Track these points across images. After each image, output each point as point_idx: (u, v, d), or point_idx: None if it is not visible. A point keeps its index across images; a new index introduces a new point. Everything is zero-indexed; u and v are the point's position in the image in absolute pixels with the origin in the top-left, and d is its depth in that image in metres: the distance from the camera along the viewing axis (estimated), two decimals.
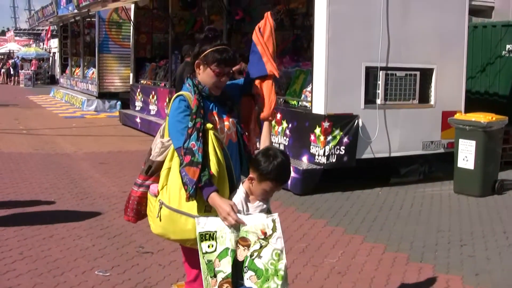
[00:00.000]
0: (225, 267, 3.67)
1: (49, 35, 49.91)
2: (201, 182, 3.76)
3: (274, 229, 3.55)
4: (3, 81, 52.05)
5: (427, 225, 8.65)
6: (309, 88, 11.29)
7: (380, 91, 10.87)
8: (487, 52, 15.66)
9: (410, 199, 10.21)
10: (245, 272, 3.64)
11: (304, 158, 10.90)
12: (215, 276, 3.70)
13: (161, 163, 4.14)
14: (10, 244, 7.40)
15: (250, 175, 3.86)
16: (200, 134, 3.84)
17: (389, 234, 8.18)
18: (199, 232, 3.73)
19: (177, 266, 6.63)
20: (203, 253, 3.72)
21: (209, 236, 3.71)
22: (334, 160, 10.53)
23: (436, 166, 12.02)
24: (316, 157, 10.61)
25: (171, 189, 4.00)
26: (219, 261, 3.70)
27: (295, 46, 15.47)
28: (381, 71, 10.82)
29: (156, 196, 4.13)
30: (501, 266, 6.98)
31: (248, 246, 3.61)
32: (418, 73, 11.35)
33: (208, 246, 3.71)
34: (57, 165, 12.89)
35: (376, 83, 10.88)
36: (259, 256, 3.57)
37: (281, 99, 12.38)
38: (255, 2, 17.37)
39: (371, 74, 10.90)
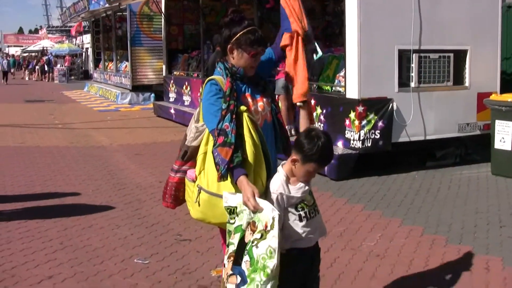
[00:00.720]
0: (235, 241, 3.77)
1: (75, 30, 50.36)
2: (233, 162, 3.77)
3: (272, 226, 3.52)
4: (38, 78, 52.56)
5: (464, 208, 8.58)
6: (342, 73, 11.24)
7: (413, 74, 10.79)
8: None
9: (447, 182, 10.13)
10: (244, 255, 3.66)
11: (340, 143, 10.87)
12: (228, 246, 3.84)
13: (197, 148, 4.18)
14: (50, 234, 7.50)
15: (293, 157, 3.84)
16: (234, 116, 3.85)
17: (426, 217, 8.13)
18: (224, 206, 3.84)
19: (215, 252, 6.66)
20: (226, 223, 3.87)
21: (230, 210, 3.81)
22: (369, 145, 10.49)
23: (473, 148, 11.91)
24: (351, 141, 10.58)
25: (209, 173, 4.00)
26: (233, 234, 3.80)
27: (327, 33, 15.42)
28: (414, 54, 10.73)
29: (194, 181, 4.13)
30: None
31: (254, 232, 3.62)
32: (451, 55, 11.23)
33: (231, 218, 3.82)
34: (93, 157, 13.01)
35: (410, 66, 10.80)
36: (256, 246, 3.57)
37: (314, 85, 12.35)
38: None
39: (404, 57, 10.82)
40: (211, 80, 4.07)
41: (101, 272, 6.21)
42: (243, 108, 3.97)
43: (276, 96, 12.20)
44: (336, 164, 10.30)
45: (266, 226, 3.55)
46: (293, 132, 12.12)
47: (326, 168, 10.08)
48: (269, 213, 3.58)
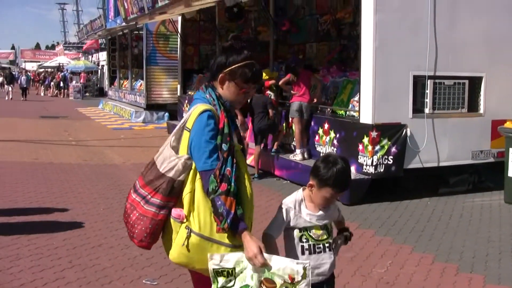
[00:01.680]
0: None
1: (88, 46, 50.68)
2: (237, 215, 3.53)
3: (304, 276, 3.42)
4: (53, 93, 52.85)
5: (476, 236, 8.52)
6: (356, 98, 11.25)
7: (428, 100, 10.78)
8: None
9: (459, 210, 10.07)
10: None
11: (352, 168, 10.81)
12: None
13: (182, 182, 3.67)
14: (59, 252, 7.50)
15: (310, 182, 3.81)
16: (234, 160, 3.64)
17: (438, 244, 8.08)
18: (213, 269, 3.52)
19: None
20: (218, 287, 3.56)
21: (226, 273, 3.53)
22: (382, 170, 10.46)
23: (486, 176, 11.83)
24: (364, 167, 10.55)
25: (200, 215, 3.59)
26: None
27: (342, 56, 15.44)
28: (429, 80, 10.73)
29: (181, 222, 3.63)
30: None
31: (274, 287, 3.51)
32: (467, 81, 11.23)
33: (225, 281, 3.54)
34: (106, 175, 13.03)
35: (424, 92, 10.80)
36: None
37: (329, 109, 12.36)
38: (302, 12, 17.38)
39: (419, 82, 10.82)
40: (207, 111, 3.63)
41: None
42: (238, 146, 3.80)
43: (290, 119, 12.23)
44: (349, 189, 10.21)
45: (292, 279, 3.43)
46: (305, 155, 12.12)
47: None
48: (292, 265, 3.46)
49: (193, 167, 3.64)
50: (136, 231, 3.71)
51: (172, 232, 3.67)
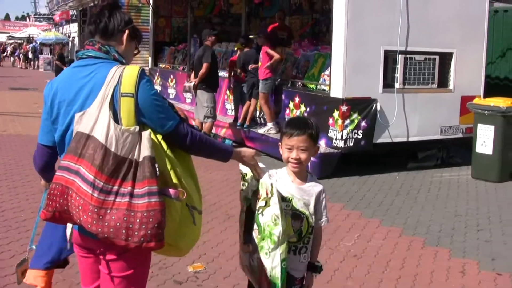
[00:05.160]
0: (244, 210, 3.75)
1: (59, 17, 50.06)
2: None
3: (271, 193, 3.51)
4: (22, 65, 52.23)
5: (444, 210, 8.62)
6: (327, 72, 11.26)
7: (398, 75, 10.82)
8: (507, 37, 15.50)
9: (427, 184, 10.17)
10: (253, 223, 3.64)
11: (322, 142, 10.85)
12: (241, 214, 3.79)
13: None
14: (28, 225, 7.41)
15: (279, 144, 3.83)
16: None
17: (405, 218, 8.16)
18: (240, 168, 3.77)
19: (193, 247, 6.63)
20: (240, 189, 3.82)
21: (242, 176, 3.77)
22: (351, 144, 10.51)
23: (454, 151, 11.95)
24: (334, 141, 10.60)
25: (189, 188, 3.23)
26: (242, 202, 3.77)
27: (314, 31, 15.44)
28: (400, 55, 10.76)
29: (178, 199, 3.16)
30: None
31: (258, 200, 3.60)
32: (437, 57, 11.28)
33: (242, 184, 3.78)
34: None
35: (395, 67, 10.83)
36: (262, 214, 3.53)
37: (300, 83, 12.37)
38: None
39: (389, 57, 10.85)
40: (144, 70, 3.26)
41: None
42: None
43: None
44: (318, 162, 10.31)
45: (267, 193, 3.52)
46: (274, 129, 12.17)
47: (309, 164, 10.11)
48: (267, 180, 3.55)
49: (156, 138, 3.18)
50: (148, 232, 2.94)
51: (175, 214, 3.15)
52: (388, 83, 10.84)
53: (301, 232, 3.73)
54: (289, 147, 3.68)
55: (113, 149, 3.00)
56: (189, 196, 3.21)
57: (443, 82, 11.48)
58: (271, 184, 3.50)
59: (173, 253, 3.43)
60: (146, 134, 3.09)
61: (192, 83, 13.00)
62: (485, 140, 10.41)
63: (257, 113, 13.28)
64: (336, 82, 10.60)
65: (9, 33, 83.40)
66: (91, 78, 3.20)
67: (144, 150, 3.05)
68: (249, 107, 13.04)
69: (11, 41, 71.65)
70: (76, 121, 3.09)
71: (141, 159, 3.04)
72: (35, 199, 8.56)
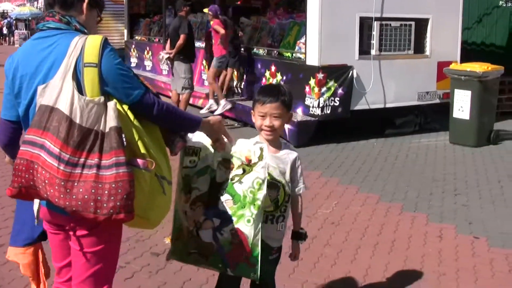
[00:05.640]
0: (201, 185, 3.54)
1: None
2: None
3: (260, 157, 3.40)
4: None
5: (421, 176, 8.63)
6: (303, 40, 11.18)
7: (374, 41, 10.78)
8: (483, 3, 15.49)
9: (405, 150, 10.18)
10: (222, 195, 3.51)
11: (299, 110, 10.83)
12: (189, 192, 3.57)
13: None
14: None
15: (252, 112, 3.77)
16: None
17: (383, 184, 8.16)
18: (188, 145, 3.55)
19: (169, 219, 6.57)
20: (183, 167, 3.58)
21: (192, 151, 3.56)
22: (328, 112, 10.48)
23: (432, 117, 11.94)
24: (311, 108, 10.55)
25: (157, 158, 3.15)
26: (197, 178, 3.56)
27: None
28: (375, 22, 10.71)
29: (147, 169, 3.05)
30: (495, 215, 6.97)
31: (231, 169, 3.49)
32: (413, 23, 11.23)
33: (190, 161, 3.56)
34: None
35: (371, 33, 10.77)
36: (240, 182, 3.44)
37: (275, 51, 12.30)
38: None
39: (365, 24, 10.79)
40: (107, 40, 3.11)
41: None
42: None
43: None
44: (295, 130, 10.29)
45: (248, 160, 3.43)
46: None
47: (287, 133, 10.13)
48: (249, 146, 3.46)
49: (123, 108, 3.06)
50: (117, 203, 2.86)
51: (144, 185, 3.05)
52: (364, 50, 10.79)
53: (277, 201, 3.69)
54: (262, 114, 3.62)
55: (77, 121, 2.89)
56: (158, 166, 3.11)
57: (419, 48, 11.44)
58: (260, 148, 3.42)
59: (144, 225, 3.30)
60: (111, 104, 2.97)
61: (168, 55, 12.87)
62: (462, 105, 10.41)
63: (234, 82, 13.21)
64: (312, 50, 10.53)
65: None
66: (52, 50, 3.08)
67: (110, 121, 2.94)
68: (225, 77, 12.97)
69: None
70: (39, 93, 2.99)
71: (107, 130, 2.93)
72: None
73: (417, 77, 11.31)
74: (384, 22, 10.85)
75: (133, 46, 20.46)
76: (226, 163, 3.50)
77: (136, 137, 3.06)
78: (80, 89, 2.97)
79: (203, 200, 3.55)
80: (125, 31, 21.55)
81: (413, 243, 6.03)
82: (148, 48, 18.91)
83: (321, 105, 10.39)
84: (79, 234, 3.13)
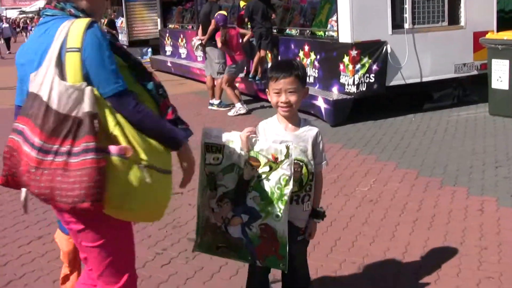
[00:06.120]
0: (228, 182, 3.55)
1: None
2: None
3: (287, 156, 3.39)
4: None
5: (461, 149, 8.46)
6: (334, 18, 11.04)
7: (407, 15, 10.59)
8: None
9: (444, 124, 10.00)
10: (249, 192, 3.51)
11: (334, 89, 10.73)
12: (215, 189, 3.59)
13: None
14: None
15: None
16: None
17: (422, 159, 8.02)
18: (205, 143, 3.58)
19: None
20: (205, 164, 3.58)
21: (215, 148, 3.55)
22: (364, 89, 10.35)
23: (470, 89, 11.70)
24: (346, 86, 10.43)
25: (144, 146, 3.02)
26: (223, 175, 3.56)
27: None
28: None
29: (126, 157, 2.91)
30: None
31: (258, 166, 3.48)
32: None
33: (213, 159, 3.56)
34: None
35: (403, 7, 10.60)
36: (267, 179, 3.45)
37: (307, 31, 12.19)
38: None
39: None
40: (95, 22, 3.01)
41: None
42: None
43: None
44: (332, 109, 10.20)
45: (275, 158, 3.42)
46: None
47: (323, 112, 10.05)
48: (276, 145, 3.44)
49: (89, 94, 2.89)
50: (82, 191, 2.76)
51: (123, 176, 2.91)
52: (397, 24, 10.61)
53: (301, 181, 3.63)
54: (277, 91, 3.56)
55: (54, 107, 2.83)
56: (142, 153, 2.96)
57: (453, 19, 11.21)
58: (287, 147, 3.39)
59: (134, 217, 3.15)
60: (87, 89, 2.85)
61: (200, 41, 12.83)
62: (500, 75, 10.18)
63: (268, 64, 13.12)
64: (344, 27, 10.40)
65: (20, 8, 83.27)
66: (45, 36, 3.03)
67: (85, 106, 2.83)
68: (258, 59, 12.89)
69: (22, 16, 71.44)
70: (31, 81, 2.95)
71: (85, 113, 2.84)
72: None
73: (453, 49, 11.08)
74: None
75: (167, 34, 20.49)
76: (253, 161, 3.49)
77: (113, 124, 2.92)
78: (62, 75, 2.89)
79: (230, 197, 3.58)
80: (159, 20, 21.59)
81: (453, 218, 5.90)
82: (182, 36, 18.92)
83: (356, 82, 10.27)
84: (76, 228, 3.09)
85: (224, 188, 3.57)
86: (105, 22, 24.10)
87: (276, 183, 3.42)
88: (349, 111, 10.39)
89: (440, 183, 6.97)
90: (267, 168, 3.45)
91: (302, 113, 10.67)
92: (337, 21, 10.73)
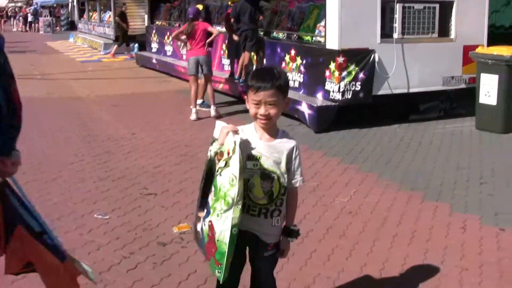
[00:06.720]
0: (204, 174, 3.49)
1: None
2: None
3: (233, 151, 3.18)
4: (22, 29, 51.70)
5: (445, 163, 8.26)
6: (323, 23, 10.86)
7: (397, 24, 10.41)
8: None
9: (429, 136, 9.80)
10: (211, 186, 3.36)
11: (319, 95, 10.54)
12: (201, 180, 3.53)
13: None
14: None
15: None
16: None
17: (405, 172, 7.82)
18: (214, 135, 3.45)
19: (180, 207, 6.39)
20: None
21: (214, 141, 3.42)
22: (349, 97, 10.15)
23: (457, 102, 11.49)
24: (331, 93, 10.23)
25: None
26: (205, 167, 3.49)
27: None
28: (398, 4, 10.36)
29: None
30: None
31: (219, 161, 3.29)
32: (437, 5, 10.85)
33: (209, 150, 3.45)
34: (68, 108, 12.66)
35: (393, 16, 10.41)
36: (220, 174, 3.25)
37: (295, 35, 11.99)
38: None
39: (387, 7, 10.46)
40: None
41: (57, 229, 5.81)
42: None
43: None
44: (316, 116, 10.01)
45: (228, 153, 3.22)
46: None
47: (307, 118, 9.88)
48: (230, 138, 3.24)
49: None
50: None
51: None
52: (386, 33, 10.45)
53: (271, 193, 3.40)
54: (256, 102, 3.32)
55: None
56: None
57: (444, 31, 11.06)
58: (234, 142, 3.18)
59: None
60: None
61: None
62: (489, 90, 10.01)
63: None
64: (332, 33, 10.21)
65: None
66: None
67: None
68: (243, 60, 12.67)
69: (11, 5, 70.82)
70: None
71: None
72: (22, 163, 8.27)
73: (442, 61, 10.92)
74: (406, 5, 10.52)
75: (154, 31, 20.34)
76: (220, 155, 3.30)
77: None
78: None
79: (202, 189, 3.49)
80: (146, 17, 21.41)
81: (434, 234, 5.69)
82: (168, 33, 18.72)
83: (341, 89, 10.07)
84: None
85: (203, 180, 3.48)
86: (117, 14, 23.92)
87: (226, 181, 3.19)
88: (333, 118, 10.19)
89: (422, 198, 6.76)
90: (223, 164, 3.24)
91: (286, 117, 10.51)
92: (325, 26, 10.55)
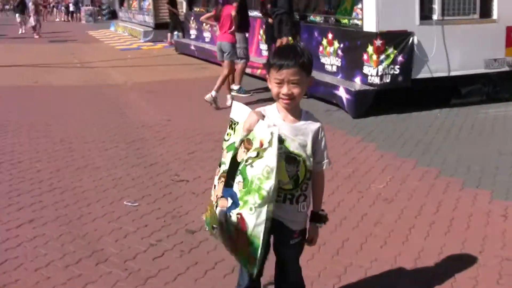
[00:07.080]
0: (227, 160, 3.29)
1: None
2: None
3: (270, 143, 3.02)
4: (65, 19, 52.10)
5: (487, 148, 7.98)
6: (360, 5, 10.60)
7: (436, 5, 10.11)
8: None
9: (470, 121, 9.51)
10: (237, 175, 3.18)
11: (357, 79, 10.31)
12: (219, 165, 3.37)
13: None
14: (42, 176, 7.10)
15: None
16: None
17: (444, 157, 7.56)
18: (230, 117, 3.36)
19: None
20: (223, 139, 3.42)
21: (231, 123, 3.33)
22: (388, 80, 9.90)
23: (501, 85, 11.14)
24: (369, 77, 10.00)
25: None
26: (226, 152, 3.32)
27: None
28: None
29: None
30: None
31: (248, 150, 3.13)
32: None
33: (227, 134, 3.36)
34: (105, 95, 12.63)
35: None
36: (251, 165, 3.09)
37: (332, 18, 11.76)
38: None
39: None
40: None
41: (85, 216, 5.80)
42: None
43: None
44: (353, 100, 9.78)
45: (261, 144, 3.07)
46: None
47: (345, 103, 9.69)
48: (264, 129, 3.09)
49: None
50: None
51: None
52: (426, 15, 10.14)
53: (297, 178, 3.25)
54: (279, 81, 3.16)
55: None
56: None
57: (485, 12, 10.69)
58: (271, 133, 3.02)
59: None
60: None
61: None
62: None
63: None
64: (369, 16, 9.97)
65: None
66: None
67: None
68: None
69: None
70: None
71: None
72: (53, 149, 8.25)
73: (483, 43, 10.56)
74: None
75: (192, 17, 20.20)
76: (247, 143, 3.15)
77: None
78: None
79: (225, 177, 3.27)
80: (184, 3, 21.30)
81: (473, 223, 5.45)
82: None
83: (379, 73, 9.82)
84: None
85: (224, 166, 3.31)
86: (167, 1, 23.76)
87: (258, 173, 3.03)
88: (371, 103, 9.95)
89: (462, 184, 6.51)
90: (254, 154, 3.08)
91: (324, 102, 10.31)
92: (362, 9, 10.31)
